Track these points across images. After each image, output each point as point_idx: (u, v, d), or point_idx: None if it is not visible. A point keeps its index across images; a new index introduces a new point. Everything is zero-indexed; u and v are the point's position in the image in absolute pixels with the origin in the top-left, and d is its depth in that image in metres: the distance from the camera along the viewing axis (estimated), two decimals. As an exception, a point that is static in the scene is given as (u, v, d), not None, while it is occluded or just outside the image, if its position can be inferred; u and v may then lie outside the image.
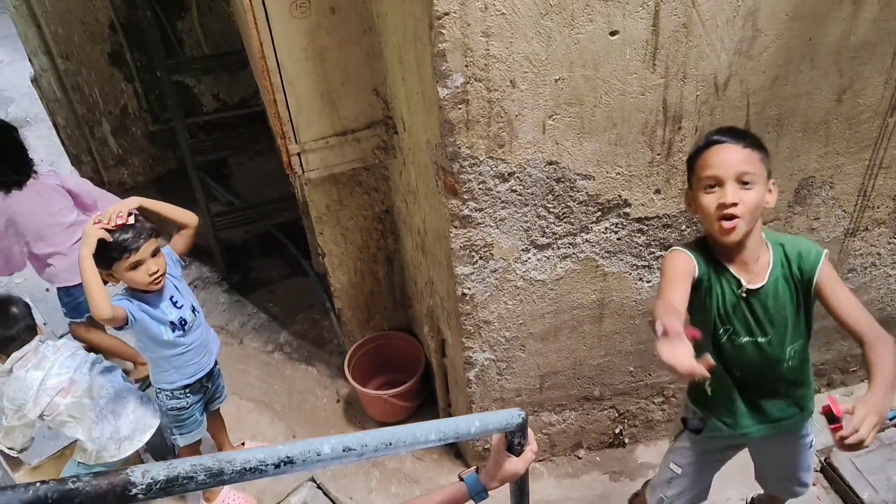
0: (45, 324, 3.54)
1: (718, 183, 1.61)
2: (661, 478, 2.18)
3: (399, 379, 3.05)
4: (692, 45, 1.93)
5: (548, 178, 2.09)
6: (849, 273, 2.62)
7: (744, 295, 1.73)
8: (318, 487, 2.85)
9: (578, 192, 2.14)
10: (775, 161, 2.24)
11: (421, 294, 2.84)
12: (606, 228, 2.25)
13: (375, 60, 2.47)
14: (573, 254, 2.28)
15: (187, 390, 2.48)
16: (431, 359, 2.95)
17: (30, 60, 4.36)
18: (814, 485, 2.78)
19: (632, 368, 2.66)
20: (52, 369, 2.47)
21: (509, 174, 2.05)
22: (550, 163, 2.06)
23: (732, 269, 1.73)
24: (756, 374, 1.84)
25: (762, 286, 1.73)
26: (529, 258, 2.25)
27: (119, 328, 2.27)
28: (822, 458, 2.81)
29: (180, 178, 4.39)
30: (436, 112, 1.93)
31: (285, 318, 3.77)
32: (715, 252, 1.74)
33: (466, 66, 1.82)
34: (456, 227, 2.13)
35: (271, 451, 0.98)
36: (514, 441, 1.42)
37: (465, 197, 2.06)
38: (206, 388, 2.57)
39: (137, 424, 2.59)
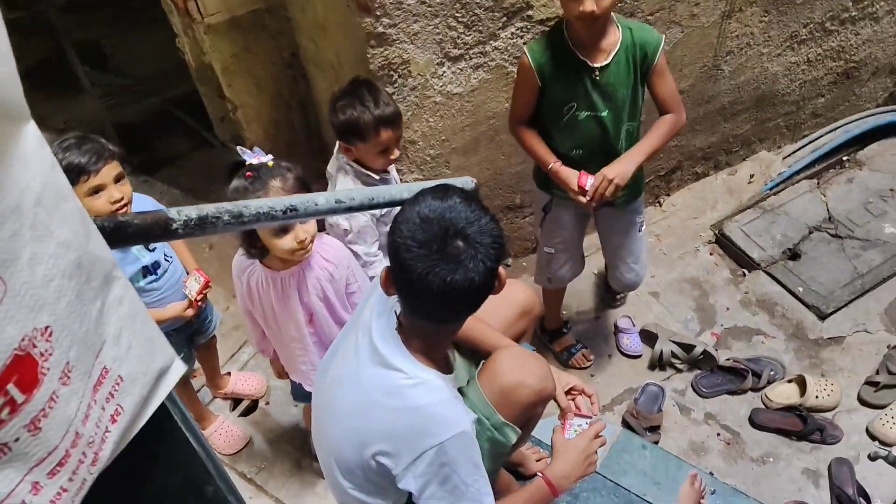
0: None
1: None
2: (541, 264, 2.53)
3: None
4: None
5: (454, -15, 2.16)
6: (727, 56, 2.88)
7: (595, 76, 1.97)
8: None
9: (483, -2, 2.23)
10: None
11: (339, 134, 2.90)
12: (513, 34, 2.37)
13: None
14: (485, 63, 2.40)
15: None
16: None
17: None
18: (711, 254, 3.17)
19: (547, 173, 2.87)
20: None
21: (418, -15, 2.11)
22: (455, -31, 2.13)
23: (580, 53, 1.96)
24: (595, 151, 2.09)
25: (607, 64, 1.97)
26: (445, 72, 2.36)
27: None
28: (716, 231, 3.19)
29: (55, 69, 4.12)
30: (340, -75, 1.94)
31: (200, 190, 3.74)
32: (568, 34, 1.96)
33: None
34: (372, 47, 2.19)
35: (279, 201, 1.10)
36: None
37: (378, 13, 2.11)
38: (191, 323, 2.33)
39: None
